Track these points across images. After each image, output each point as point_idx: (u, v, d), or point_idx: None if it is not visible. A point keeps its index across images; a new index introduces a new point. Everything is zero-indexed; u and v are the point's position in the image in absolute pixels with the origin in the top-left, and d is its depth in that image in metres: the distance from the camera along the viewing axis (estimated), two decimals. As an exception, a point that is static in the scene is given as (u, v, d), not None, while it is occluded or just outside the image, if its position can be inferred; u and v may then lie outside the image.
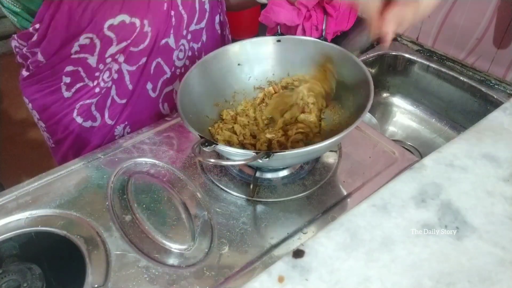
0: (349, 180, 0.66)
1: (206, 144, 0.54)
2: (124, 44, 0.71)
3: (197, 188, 0.66)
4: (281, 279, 0.44)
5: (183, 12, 0.76)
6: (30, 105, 0.79)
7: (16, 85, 0.82)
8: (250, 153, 0.53)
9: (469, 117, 1.00)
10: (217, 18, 0.85)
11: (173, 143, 0.75)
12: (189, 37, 0.80)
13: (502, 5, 0.87)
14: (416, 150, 1.05)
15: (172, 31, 0.76)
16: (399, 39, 1.13)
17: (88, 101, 0.76)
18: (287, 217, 0.61)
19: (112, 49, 0.70)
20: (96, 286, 0.54)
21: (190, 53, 0.83)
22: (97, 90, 0.75)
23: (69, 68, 0.71)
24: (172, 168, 0.70)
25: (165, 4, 0.72)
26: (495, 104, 0.92)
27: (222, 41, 0.90)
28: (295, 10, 0.77)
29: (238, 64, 0.75)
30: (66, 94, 0.75)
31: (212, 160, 0.61)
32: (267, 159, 0.51)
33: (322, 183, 0.66)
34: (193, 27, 0.80)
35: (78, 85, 0.74)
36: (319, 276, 0.44)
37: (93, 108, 0.77)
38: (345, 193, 0.65)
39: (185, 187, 0.66)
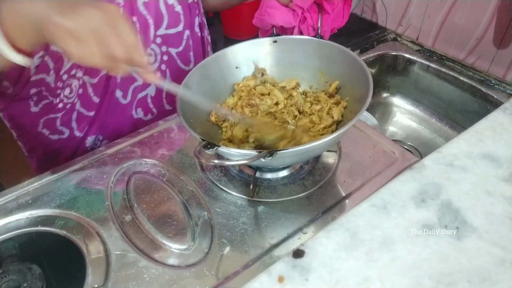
0: (349, 180, 0.66)
1: (208, 146, 0.54)
2: None
3: (197, 188, 0.66)
4: (281, 279, 0.44)
5: (147, 16, 0.74)
6: (1, 114, 0.78)
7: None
8: (253, 152, 0.53)
9: (469, 117, 1.00)
10: (196, 20, 0.83)
11: (173, 143, 0.75)
12: (158, 41, 0.78)
13: (502, 5, 0.87)
14: (416, 150, 1.05)
15: None
16: (399, 39, 1.13)
17: (52, 115, 0.76)
18: (287, 217, 0.61)
19: (66, 65, 0.70)
20: (96, 286, 0.54)
21: (166, 58, 0.81)
22: (60, 105, 0.75)
23: (33, 90, 0.71)
24: (172, 168, 0.70)
25: (120, 10, 0.68)
26: (495, 104, 0.92)
27: (202, 44, 0.88)
28: (290, 11, 0.77)
29: (236, 67, 0.75)
30: (34, 109, 0.76)
31: (216, 161, 0.60)
32: (270, 157, 0.51)
33: (322, 183, 0.66)
34: (162, 31, 0.77)
35: (44, 102, 0.74)
36: (319, 276, 0.44)
37: (58, 122, 0.77)
38: (345, 193, 0.65)
39: (185, 187, 0.66)
